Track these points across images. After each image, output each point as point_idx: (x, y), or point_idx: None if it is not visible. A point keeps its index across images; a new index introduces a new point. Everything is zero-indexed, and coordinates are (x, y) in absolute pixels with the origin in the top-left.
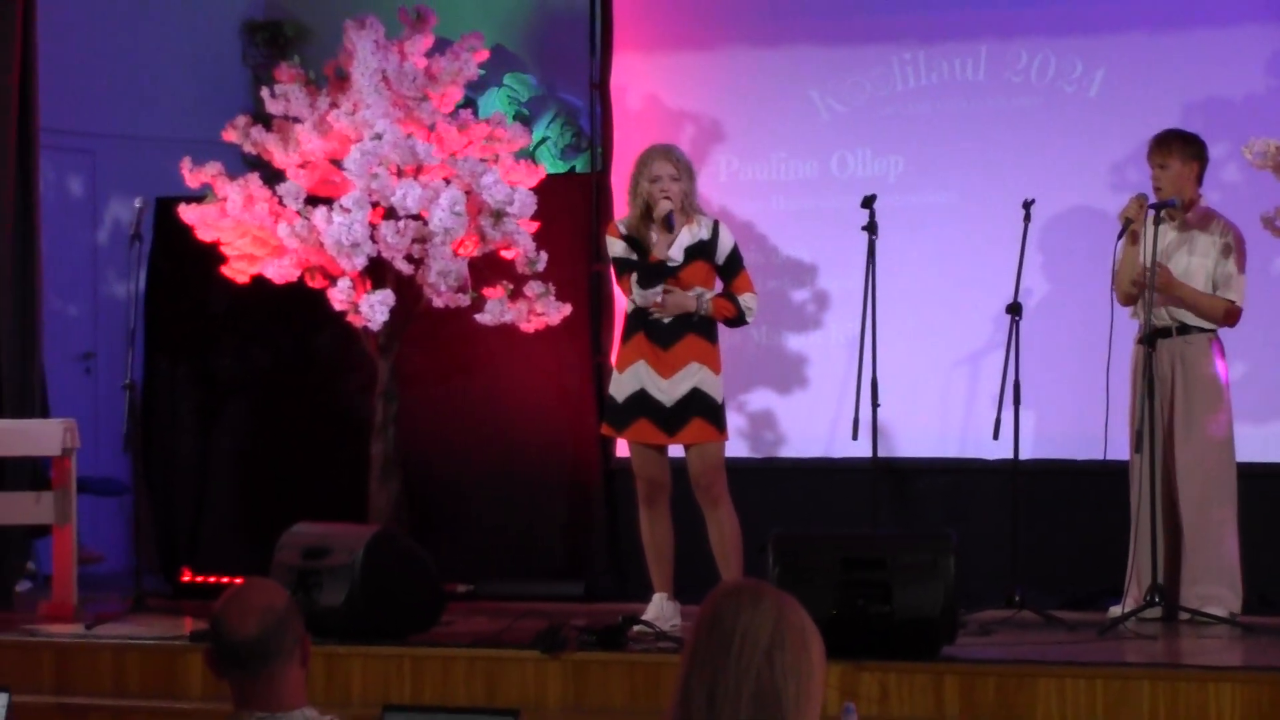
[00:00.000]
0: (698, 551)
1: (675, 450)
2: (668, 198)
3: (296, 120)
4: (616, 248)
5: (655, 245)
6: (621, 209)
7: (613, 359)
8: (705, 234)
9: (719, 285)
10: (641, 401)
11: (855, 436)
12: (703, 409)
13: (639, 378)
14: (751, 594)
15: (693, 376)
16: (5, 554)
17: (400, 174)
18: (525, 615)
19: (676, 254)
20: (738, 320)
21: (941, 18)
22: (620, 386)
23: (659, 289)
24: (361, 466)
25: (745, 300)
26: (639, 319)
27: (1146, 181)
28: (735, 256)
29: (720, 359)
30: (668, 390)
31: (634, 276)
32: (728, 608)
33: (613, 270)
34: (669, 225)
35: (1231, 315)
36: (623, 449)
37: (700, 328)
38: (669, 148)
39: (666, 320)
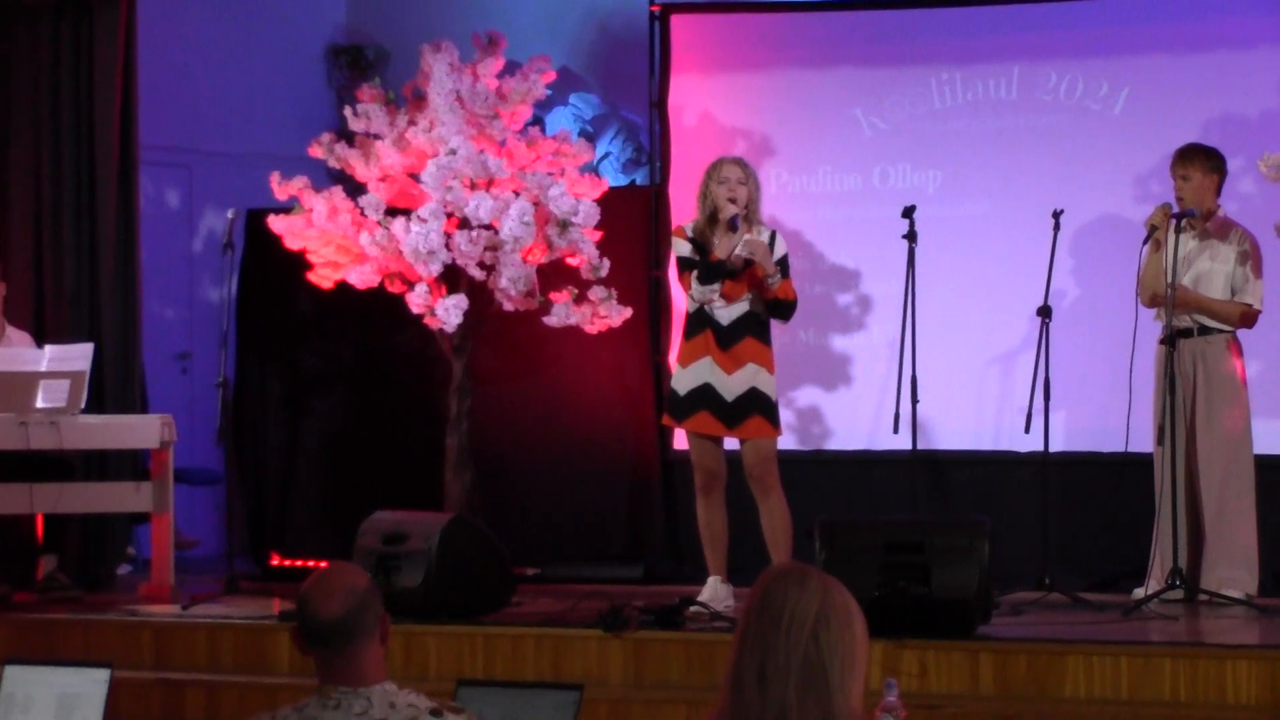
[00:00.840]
0: (749, 537)
1: (730, 443)
2: (733, 199)
3: (377, 137)
4: (683, 248)
5: (717, 246)
6: (678, 219)
7: (674, 356)
8: (763, 241)
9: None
10: (705, 395)
11: (896, 430)
12: (761, 407)
13: (703, 373)
14: (799, 576)
15: (752, 376)
16: (108, 539)
17: (473, 187)
18: (589, 596)
19: (738, 261)
20: (787, 308)
21: (976, 41)
22: (683, 380)
23: (716, 286)
24: (437, 458)
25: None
26: (702, 318)
27: (1169, 193)
28: (784, 262)
29: (774, 360)
30: (730, 386)
31: (695, 274)
32: (777, 589)
33: (676, 268)
34: (733, 227)
35: (1248, 318)
36: (679, 442)
37: (757, 331)
38: (738, 158)
39: (727, 322)
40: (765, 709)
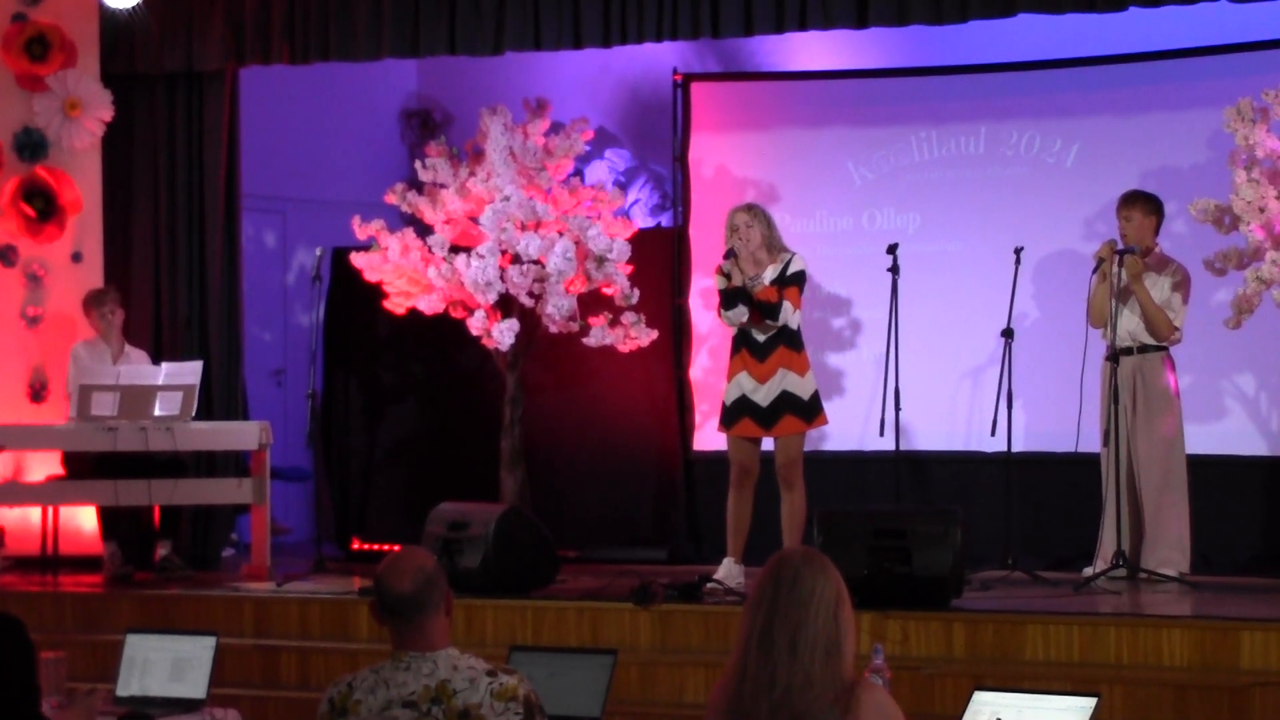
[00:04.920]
0: (763, 525)
1: (766, 443)
2: (746, 241)
3: (442, 186)
4: (720, 283)
5: (733, 277)
6: (698, 256)
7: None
8: (781, 265)
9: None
10: (744, 405)
11: (882, 434)
12: (792, 406)
13: (741, 385)
14: (821, 563)
15: (782, 381)
16: (214, 527)
17: (524, 228)
18: (621, 575)
19: (765, 283)
20: (771, 310)
21: (949, 105)
22: (728, 394)
23: (740, 310)
24: (493, 457)
25: (785, 304)
26: (742, 337)
27: (1114, 231)
28: (793, 277)
29: (807, 361)
30: (764, 393)
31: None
32: (806, 573)
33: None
34: (729, 255)
35: (1171, 331)
36: (699, 444)
37: (787, 340)
38: (745, 205)
39: (762, 339)
40: (794, 674)
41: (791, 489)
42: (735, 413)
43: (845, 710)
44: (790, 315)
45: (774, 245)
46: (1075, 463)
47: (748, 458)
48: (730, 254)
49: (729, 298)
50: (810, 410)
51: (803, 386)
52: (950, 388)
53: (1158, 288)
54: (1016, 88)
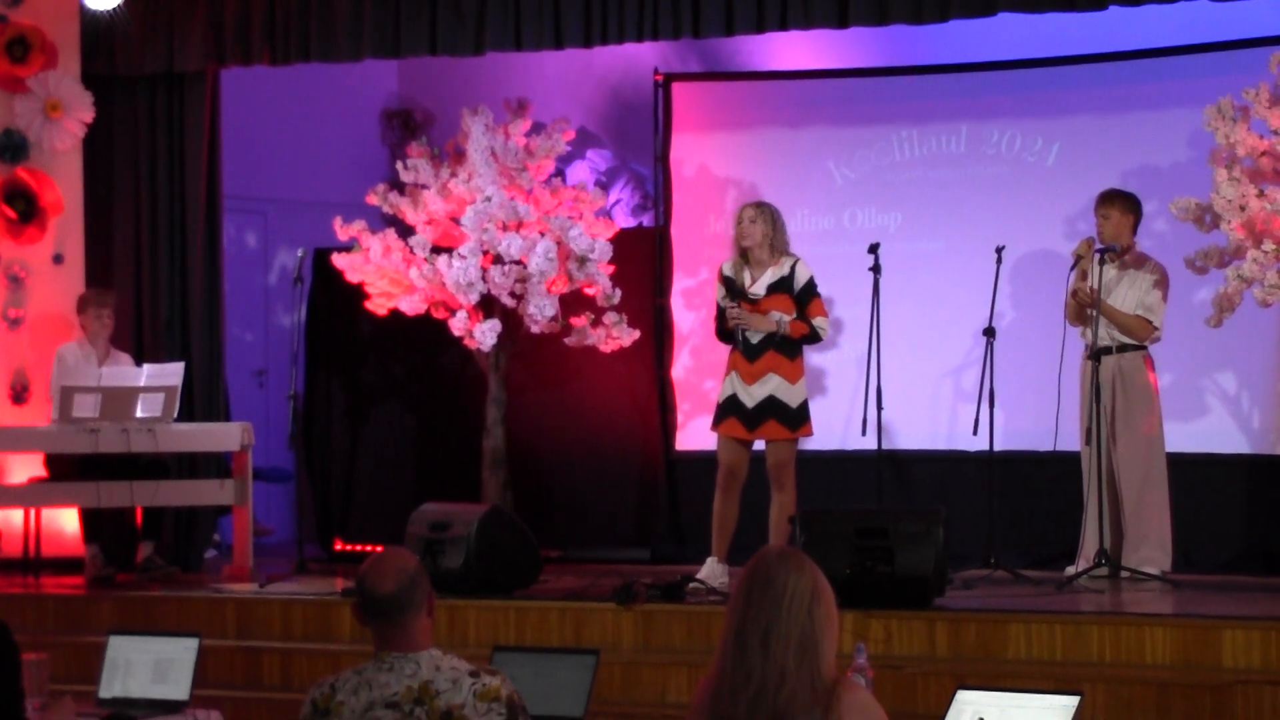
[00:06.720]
0: (750, 526)
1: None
2: (746, 237)
3: (424, 187)
4: (719, 291)
5: (745, 287)
6: (679, 256)
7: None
8: (785, 271)
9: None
10: (732, 404)
11: (864, 433)
12: (778, 413)
13: (733, 384)
14: (796, 560)
15: (769, 385)
16: (197, 528)
17: (505, 228)
18: (604, 575)
19: (760, 289)
20: (812, 337)
21: (931, 103)
22: (722, 391)
23: (735, 344)
24: (476, 458)
25: (817, 322)
26: (734, 340)
27: (1094, 230)
28: (808, 288)
29: (801, 369)
30: (751, 394)
31: (715, 327)
32: (779, 570)
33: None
34: (734, 292)
35: (1150, 332)
36: (681, 443)
37: (779, 345)
38: (755, 201)
39: (756, 340)
40: (767, 671)
41: (782, 489)
42: (724, 411)
43: (826, 710)
44: (825, 326)
45: (777, 247)
46: (1057, 461)
47: (736, 460)
48: (736, 308)
49: (728, 336)
50: (796, 419)
51: (791, 394)
52: (932, 387)
53: (1137, 286)
54: (997, 87)
